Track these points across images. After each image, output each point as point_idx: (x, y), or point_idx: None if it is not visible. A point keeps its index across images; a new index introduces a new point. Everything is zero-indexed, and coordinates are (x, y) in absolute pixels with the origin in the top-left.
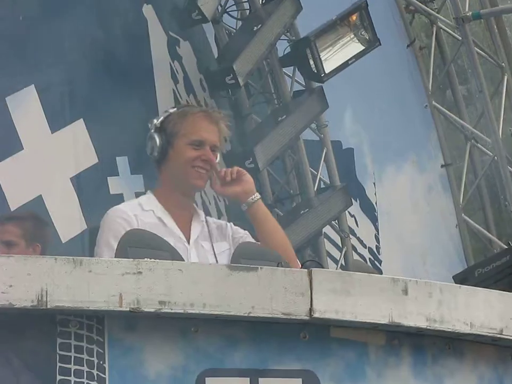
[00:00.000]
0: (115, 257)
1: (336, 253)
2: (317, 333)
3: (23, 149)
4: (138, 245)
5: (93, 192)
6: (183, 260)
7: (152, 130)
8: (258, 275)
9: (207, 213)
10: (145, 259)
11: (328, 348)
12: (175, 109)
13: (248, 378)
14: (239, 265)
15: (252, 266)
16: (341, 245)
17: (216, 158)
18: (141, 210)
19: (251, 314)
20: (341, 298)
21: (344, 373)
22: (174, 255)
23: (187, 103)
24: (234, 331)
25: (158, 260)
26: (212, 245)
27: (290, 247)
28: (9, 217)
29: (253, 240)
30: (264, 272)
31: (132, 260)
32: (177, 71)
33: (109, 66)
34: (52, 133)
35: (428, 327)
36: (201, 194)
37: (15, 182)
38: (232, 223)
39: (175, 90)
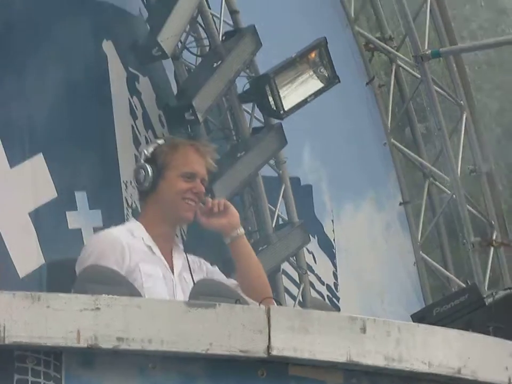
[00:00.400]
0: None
1: (294, 289)
2: (275, 371)
3: None
4: (98, 281)
5: (52, 226)
6: (141, 296)
7: (143, 161)
8: (217, 312)
9: None
10: (104, 295)
11: None
12: (162, 140)
13: None
14: (197, 301)
15: (210, 303)
16: (298, 282)
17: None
18: (131, 237)
19: (209, 351)
20: (299, 336)
21: None
22: (133, 292)
23: (146, 139)
24: (192, 368)
25: (116, 296)
26: (192, 276)
27: (268, 284)
28: None
29: (222, 276)
30: (223, 309)
31: (90, 295)
32: (136, 107)
33: (68, 101)
34: (10, 168)
35: (386, 366)
36: None
37: None
38: (204, 260)
39: (134, 126)
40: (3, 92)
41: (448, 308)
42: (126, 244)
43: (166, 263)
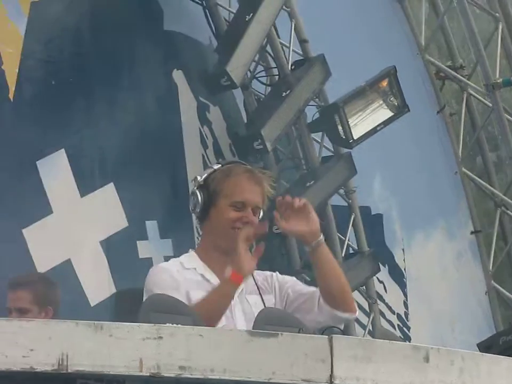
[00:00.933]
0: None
1: (364, 319)
2: None
3: (52, 212)
4: (161, 310)
5: (122, 256)
6: (204, 325)
7: (195, 187)
8: (279, 341)
9: None
10: (166, 324)
11: None
12: (219, 165)
13: None
14: (260, 331)
15: (272, 332)
16: (368, 311)
17: (258, 216)
18: (182, 268)
19: (271, 381)
20: (362, 365)
21: None
22: (196, 321)
23: None
24: None
25: (178, 325)
26: (262, 297)
27: (350, 291)
28: (19, 282)
29: (301, 286)
30: (285, 338)
31: (152, 325)
32: (206, 136)
33: (139, 131)
34: (81, 197)
35: None
36: None
37: (43, 246)
38: (277, 273)
39: (205, 155)
40: (74, 122)
41: None
42: (177, 272)
43: None
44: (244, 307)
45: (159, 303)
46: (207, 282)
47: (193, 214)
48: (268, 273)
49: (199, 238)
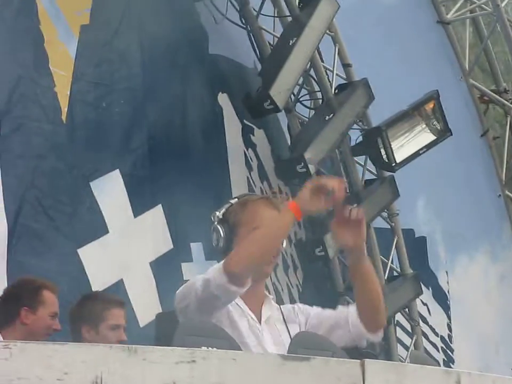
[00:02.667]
0: (172, 345)
1: (407, 340)
2: None
3: (108, 232)
4: (196, 333)
5: (168, 277)
6: (240, 349)
7: (216, 223)
8: (311, 365)
9: (280, 300)
10: (200, 348)
11: None
12: (236, 199)
13: None
14: (292, 355)
15: (304, 356)
16: (411, 332)
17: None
18: None
19: None
20: None
21: None
22: (232, 344)
23: (261, 190)
24: None
25: (211, 349)
26: (286, 325)
27: (384, 312)
28: (116, 301)
29: (327, 311)
30: (317, 363)
31: (186, 348)
32: (251, 159)
33: (186, 153)
34: (134, 217)
35: None
36: (274, 281)
37: (98, 265)
38: (298, 303)
39: (249, 178)
40: (127, 143)
41: None
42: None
43: (251, 314)
44: (272, 331)
45: (194, 327)
46: (239, 308)
47: (216, 249)
48: (290, 306)
49: None
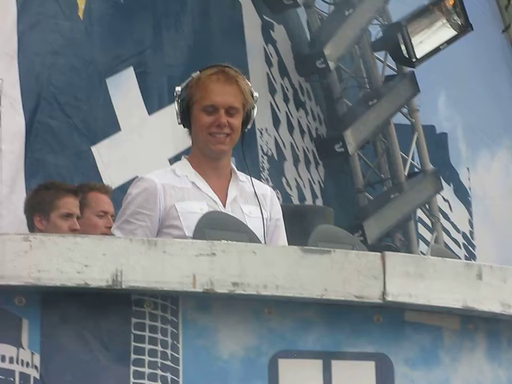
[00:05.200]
0: (193, 238)
1: (429, 236)
2: (391, 316)
3: (120, 130)
4: (216, 227)
5: None
6: (261, 242)
7: (176, 98)
8: (331, 258)
9: (302, 196)
10: (219, 241)
11: (402, 331)
12: (198, 72)
13: (321, 360)
14: (312, 248)
15: (324, 249)
16: (432, 229)
17: (238, 117)
18: (173, 177)
19: (324, 297)
20: (414, 282)
21: (418, 357)
22: (252, 238)
23: (281, 86)
24: (308, 313)
25: (231, 242)
26: (261, 209)
27: None
28: (69, 189)
29: (280, 224)
30: (337, 255)
31: (205, 241)
32: (271, 55)
33: (205, 50)
34: (149, 115)
35: (503, 312)
36: (296, 177)
37: (111, 163)
38: (275, 194)
39: (269, 74)
40: (142, 40)
41: None
42: (162, 185)
43: (214, 196)
44: (236, 215)
45: (214, 220)
46: (197, 190)
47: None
48: (268, 191)
49: (264, 157)
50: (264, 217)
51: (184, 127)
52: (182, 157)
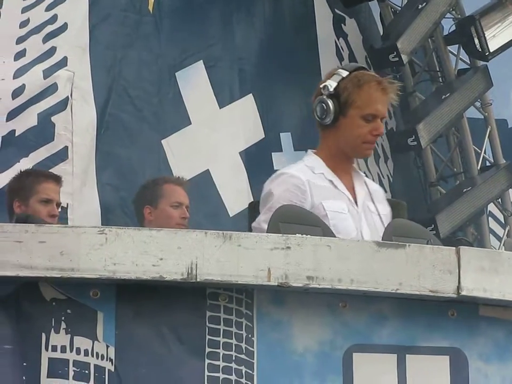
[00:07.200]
0: (267, 232)
1: (500, 231)
2: (466, 311)
3: (190, 123)
4: (290, 220)
5: (259, 167)
6: (334, 235)
7: (325, 96)
8: (406, 252)
9: None
10: (295, 235)
11: (477, 326)
12: (346, 72)
13: (396, 355)
14: (387, 242)
15: (399, 243)
16: (504, 223)
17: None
18: (312, 174)
19: (399, 291)
20: (489, 276)
21: (492, 352)
22: (326, 231)
23: None
24: (382, 307)
25: (306, 236)
26: (375, 205)
27: None
28: (50, 175)
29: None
30: (412, 249)
31: (280, 235)
32: (342, 49)
33: (276, 43)
34: (219, 108)
35: None
36: (365, 171)
37: (182, 156)
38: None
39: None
40: (213, 34)
41: None
42: (307, 182)
43: (349, 196)
44: (366, 215)
45: (289, 214)
46: (335, 189)
47: (317, 120)
48: (380, 189)
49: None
50: (387, 212)
51: (320, 123)
52: (309, 151)
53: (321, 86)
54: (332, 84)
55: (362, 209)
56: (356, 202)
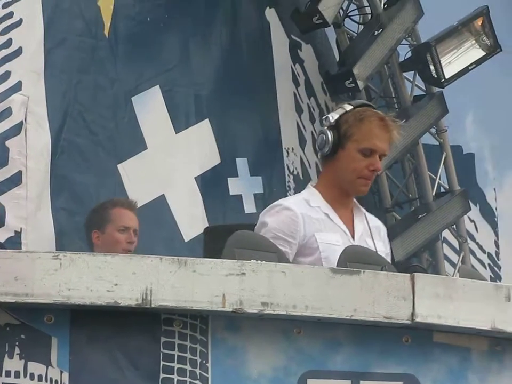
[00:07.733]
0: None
1: (454, 257)
2: (420, 338)
3: (146, 148)
4: (246, 246)
5: (214, 192)
6: (290, 262)
7: (326, 127)
8: (361, 278)
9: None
10: (250, 261)
11: (431, 352)
12: (351, 106)
13: (350, 381)
14: (342, 268)
15: (354, 269)
16: (459, 249)
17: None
18: (307, 207)
19: (353, 317)
20: (444, 303)
21: (446, 378)
22: (281, 258)
23: (308, 106)
24: (336, 333)
25: (261, 262)
26: (374, 241)
27: None
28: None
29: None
30: (367, 276)
31: (235, 261)
32: (298, 74)
33: (232, 68)
34: (175, 133)
35: None
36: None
37: (138, 181)
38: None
39: (296, 93)
40: (168, 59)
41: None
42: (301, 214)
43: (345, 229)
44: None
45: (244, 239)
46: (331, 222)
47: (319, 152)
48: (381, 225)
49: (290, 176)
50: (383, 250)
51: (321, 156)
52: (309, 184)
53: (323, 117)
54: (333, 116)
55: (359, 244)
56: (353, 236)
